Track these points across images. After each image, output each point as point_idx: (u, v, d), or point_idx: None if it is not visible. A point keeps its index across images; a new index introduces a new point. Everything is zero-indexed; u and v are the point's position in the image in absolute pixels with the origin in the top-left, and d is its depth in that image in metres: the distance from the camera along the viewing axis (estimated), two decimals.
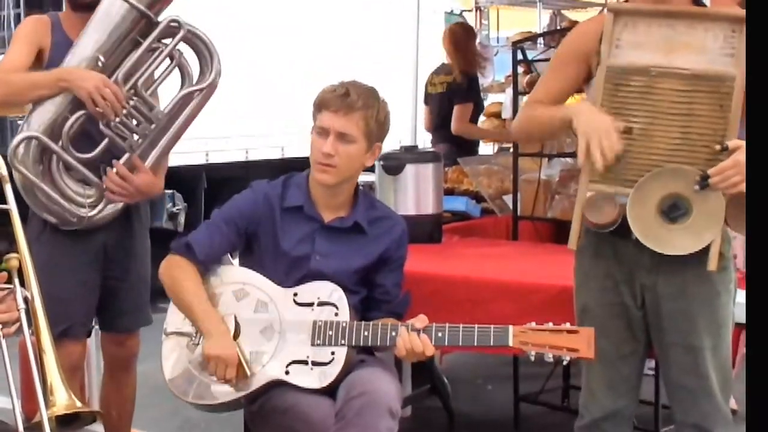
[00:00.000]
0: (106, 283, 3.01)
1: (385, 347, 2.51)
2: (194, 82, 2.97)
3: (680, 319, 2.39)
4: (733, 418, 2.48)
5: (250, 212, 2.66)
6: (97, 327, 3.22)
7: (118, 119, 2.82)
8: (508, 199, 4.24)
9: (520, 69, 4.69)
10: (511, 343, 2.37)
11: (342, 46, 7.07)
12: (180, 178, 5.74)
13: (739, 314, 2.45)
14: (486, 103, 6.29)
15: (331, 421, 2.43)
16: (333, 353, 2.49)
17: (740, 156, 2.20)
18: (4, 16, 5.87)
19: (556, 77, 2.47)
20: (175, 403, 2.67)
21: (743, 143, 2.20)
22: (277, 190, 2.68)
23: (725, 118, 2.28)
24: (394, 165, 3.60)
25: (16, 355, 2.34)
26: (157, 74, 2.96)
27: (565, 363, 2.41)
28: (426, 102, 5.97)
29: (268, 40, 6.63)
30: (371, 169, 3.22)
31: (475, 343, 2.41)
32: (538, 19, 8.15)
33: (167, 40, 2.92)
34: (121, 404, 3.20)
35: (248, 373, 2.51)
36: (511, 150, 4.28)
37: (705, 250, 2.30)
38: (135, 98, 2.87)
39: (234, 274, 2.67)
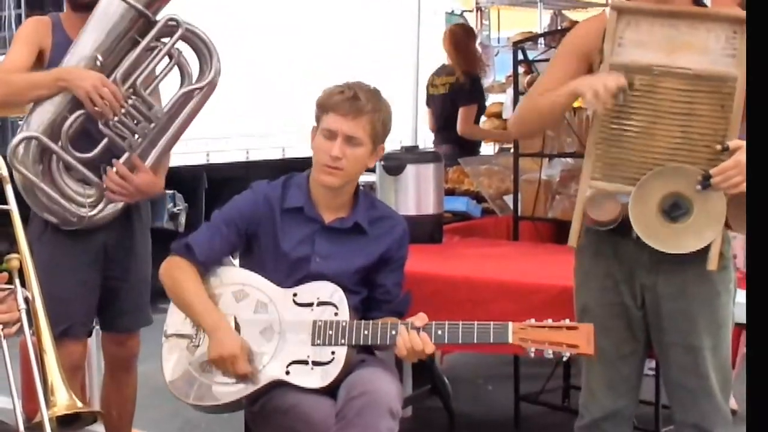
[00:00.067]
0: (106, 283, 3.01)
1: (386, 346, 2.51)
2: (194, 81, 2.97)
3: (680, 319, 2.39)
4: (733, 418, 2.49)
5: (251, 213, 2.66)
6: (97, 327, 3.22)
7: (116, 118, 2.82)
8: (509, 199, 4.24)
9: (521, 69, 4.69)
10: (510, 340, 2.37)
11: (342, 45, 7.07)
12: (181, 179, 5.74)
13: (739, 314, 2.46)
14: (486, 104, 6.29)
15: (331, 421, 2.43)
16: (333, 353, 2.49)
17: (741, 156, 2.21)
18: (5, 16, 5.87)
19: (557, 74, 2.46)
20: (176, 404, 2.67)
21: (744, 143, 2.20)
22: (277, 191, 2.68)
23: (726, 119, 2.29)
24: (394, 165, 3.59)
25: (16, 355, 2.34)
26: (156, 73, 2.95)
27: (565, 359, 2.41)
28: (428, 104, 5.97)
29: (267, 39, 6.63)
30: (372, 170, 3.22)
31: (475, 341, 2.41)
32: (538, 20, 8.16)
33: (166, 39, 2.92)
34: (121, 404, 3.20)
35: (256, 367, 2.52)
36: (512, 150, 4.28)
37: (705, 250, 2.30)
38: (134, 97, 2.87)
39: (233, 275, 2.67)
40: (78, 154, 2.85)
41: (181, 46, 2.96)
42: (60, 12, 3.08)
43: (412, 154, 3.77)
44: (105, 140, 2.85)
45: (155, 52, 2.91)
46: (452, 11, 8.96)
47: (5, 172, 2.41)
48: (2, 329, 2.09)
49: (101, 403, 3.29)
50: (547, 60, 4.25)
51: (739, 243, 2.84)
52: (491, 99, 6.65)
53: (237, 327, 2.58)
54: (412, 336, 2.43)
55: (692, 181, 2.27)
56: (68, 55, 2.87)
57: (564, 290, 2.72)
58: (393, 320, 2.53)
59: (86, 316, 3.02)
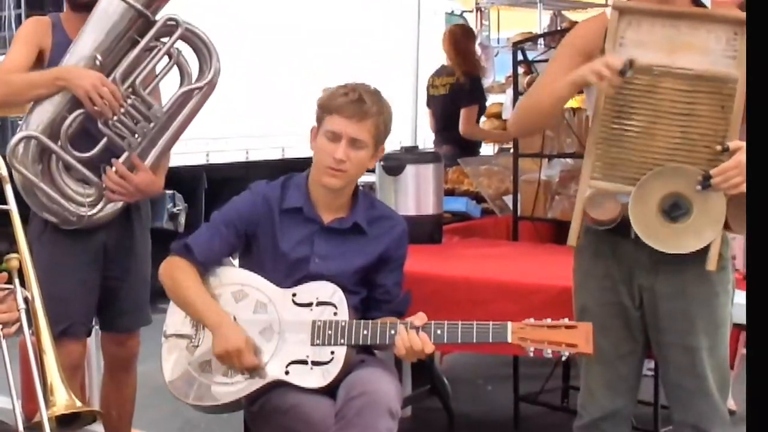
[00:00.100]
0: (106, 282, 3.01)
1: (385, 346, 2.51)
2: (193, 80, 2.97)
3: (678, 320, 2.39)
4: (732, 418, 2.49)
5: (249, 214, 2.66)
6: (97, 327, 3.22)
7: (116, 118, 2.83)
8: (509, 199, 4.24)
9: (521, 69, 4.70)
10: (509, 340, 2.37)
11: (342, 46, 7.08)
12: (180, 179, 5.75)
13: (738, 315, 2.46)
14: (486, 104, 6.29)
15: (331, 421, 2.43)
16: (333, 352, 2.49)
17: (742, 157, 2.21)
18: (5, 16, 5.87)
19: (557, 72, 2.45)
20: (176, 404, 2.67)
21: (744, 144, 2.21)
22: (275, 191, 2.68)
23: (726, 119, 2.29)
24: (394, 165, 3.60)
25: (16, 356, 2.34)
26: (155, 73, 2.95)
27: (564, 358, 2.41)
28: (428, 104, 5.97)
29: (267, 39, 6.64)
30: (372, 170, 3.22)
31: (474, 340, 2.41)
32: (538, 20, 8.16)
33: (165, 39, 2.92)
34: (121, 404, 3.20)
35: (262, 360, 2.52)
36: (512, 151, 4.28)
37: (704, 251, 2.31)
38: (133, 97, 2.87)
39: (233, 275, 2.67)
40: (77, 154, 2.85)
41: (181, 45, 2.96)
42: (60, 12, 3.07)
43: (411, 154, 3.77)
44: (104, 140, 2.85)
45: (154, 51, 2.91)
46: (452, 11, 8.96)
47: (5, 172, 2.42)
48: (2, 329, 2.09)
49: (101, 403, 3.30)
50: (546, 60, 4.25)
51: (738, 244, 2.84)
52: (491, 99, 6.65)
53: None
54: (411, 335, 2.43)
55: (692, 182, 2.27)
56: (67, 54, 2.87)
57: (563, 290, 2.72)
58: (392, 320, 2.53)
59: (86, 316, 3.02)
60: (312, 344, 2.51)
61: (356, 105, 2.56)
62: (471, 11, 8.84)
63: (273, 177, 2.75)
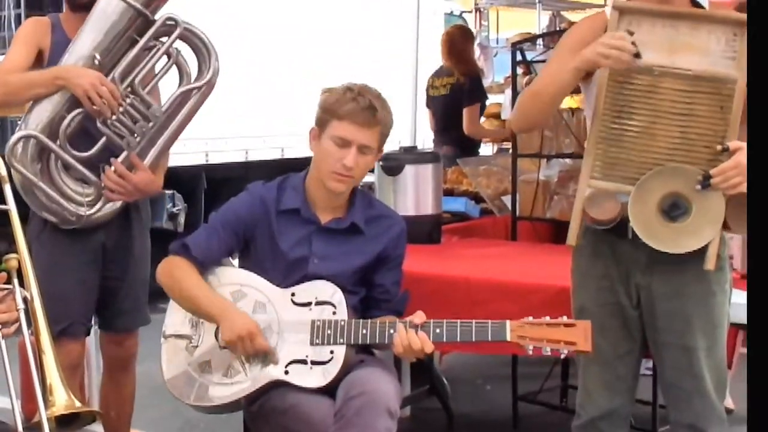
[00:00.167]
0: (105, 282, 3.01)
1: (384, 345, 2.51)
2: (192, 80, 2.97)
3: (675, 319, 2.40)
4: (730, 417, 2.49)
5: (247, 216, 2.66)
6: (96, 327, 3.22)
7: (114, 117, 2.82)
8: (507, 199, 4.24)
9: (520, 70, 4.70)
10: (508, 338, 2.37)
11: (342, 46, 7.07)
12: (180, 179, 5.74)
13: (735, 314, 2.46)
14: (487, 103, 6.30)
15: (330, 420, 2.43)
16: (332, 352, 2.49)
17: (741, 157, 2.22)
18: (4, 16, 5.87)
19: (557, 68, 2.43)
20: (175, 404, 2.67)
21: (744, 144, 2.21)
22: (272, 192, 2.67)
23: (726, 120, 2.29)
24: (393, 166, 3.60)
25: (15, 356, 2.34)
26: (155, 72, 2.95)
27: (563, 356, 2.41)
28: (428, 105, 5.97)
29: (267, 39, 6.63)
30: (371, 170, 3.22)
31: (473, 339, 2.41)
32: (537, 21, 8.17)
33: (164, 39, 2.92)
34: (120, 404, 3.20)
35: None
36: (510, 151, 4.29)
37: (702, 250, 2.31)
38: (132, 96, 2.87)
39: (231, 275, 2.67)
40: (76, 153, 2.85)
41: (180, 45, 2.96)
42: (59, 12, 3.07)
43: (410, 154, 3.77)
44: (103, 139, 2.85)
45: (153, 51, 2.91)
46: (451, 12, 8.97)
47: (4, 172, 2.42)
48: (1, 329, 2.09)
49: (100, 402, 3.30)
50: (544, 61, 4.25)
51: (735, 243, 2.85)
52: (490, 100, 6.66)
53: None
54: (411, 334, 2.42)
55: (691, 181, 2.28)
56: (66, 54, 2.87)
57: (562, 290, 2.72)
58: (392, 319, 2.53)
59: (85, 316, 3.02)
60: (311, 344, 2.51)
61: (368, 112, 2.55)
62: (470, 12, 8.86)
63: (272, 177, 2.74)
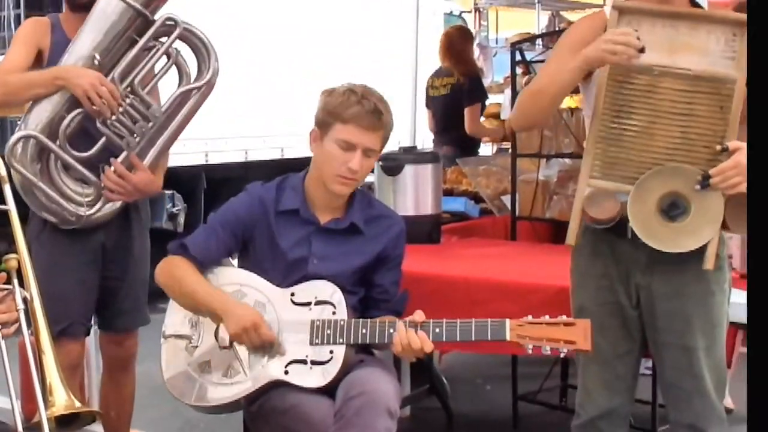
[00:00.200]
0: (105, 282, 3.02)
1: (384, 345, 2.50)
2: (192, 80, 2.97)
3: (675, 319, 2.40)
4: (729, 416, 2.49)
5: (246, 217, 2.66)
6: (96, 327, 3.22)
7: (114, 117, 2.83)
8: (507, 199, 4.25)
9: (519, 70, 4.70)
10: (508, 337, 2.37)
11: (341, 46, 7.07)
12: (179, 179, 5.74)
13: (734, 314, 2.47)
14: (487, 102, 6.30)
15: (330, 420, 2.43)
16: (332, 352, 2.49)
17: (740, 157, 2.22)
18: (4, 16, 5.87)
19: (557, 66, 2.42)
20: (175, 404, 2.67)
21: (743, 145, 2.21)
22: (271, 193, 2.67)
23: (725, 120, 2.29)
24: (393, 166, 3.60)
25: (15, 356, 2.34)
26: (154, 72, 2.96)
27: (562, 355, 2.40)
28: (427, 105, 5.97)
29: (267, 39, 6.63)
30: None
31: (473, 338, 2.40)
32: (536, 21, 8.16)
33: (164, 39, 2.93)
34: (120, 404, 3.20)
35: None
36: (510, 151, 4.29)
37: (701, 250, 2.31)
38: (132, 96, 2.87)
39: (231, 275, 2.67)
40: (76, 153, 2.85)
41: (180, 45, 2.96)
42: (59, 12, 3.08)
43: (410, 154, 3.77)
44: (103, 139, 2.85)
45: (153, 51, 2.91)
46: (450, 12, 8.97)
47: (3, 172, 2.42)
48: (1, 329, 2.10)
49: (99, 402, 3.30)
50: (544, 61, 4.26)
51: (734, 243, 2.85)
52: (489, 99, 6.66)
53: None
54: (410, 334, 2.42)
55: (691, 181, 2.28)
56: (66, 54, 2.87)
57: (561, 290, 2.72)
58: (391, 319, 2.53)
59: (84, 316, 3.02)
60: (311, 344, 2.51)
61: (374, 116, 2.55)
62: (469, 12, 8.85)
63: (272, 177, 2.74)
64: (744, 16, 2.26)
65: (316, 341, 2.50)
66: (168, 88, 2.99)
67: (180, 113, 2.95)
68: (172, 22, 2.92)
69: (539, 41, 6.20)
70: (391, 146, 3.56)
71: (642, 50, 2.25)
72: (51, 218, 2.88)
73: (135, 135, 2.87)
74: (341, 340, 2.49)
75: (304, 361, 2.50)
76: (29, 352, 2.05)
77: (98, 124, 2.84)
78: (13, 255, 2.20)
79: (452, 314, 2.51)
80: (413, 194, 3.63)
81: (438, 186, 3.74)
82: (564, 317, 2.37)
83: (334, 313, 2.52)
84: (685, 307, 2.39)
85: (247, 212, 2.66)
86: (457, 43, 5.83)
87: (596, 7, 6.68)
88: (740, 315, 2.45)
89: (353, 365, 2.54)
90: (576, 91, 2.59)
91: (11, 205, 2.36)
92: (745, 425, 1.82)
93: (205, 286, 2.60)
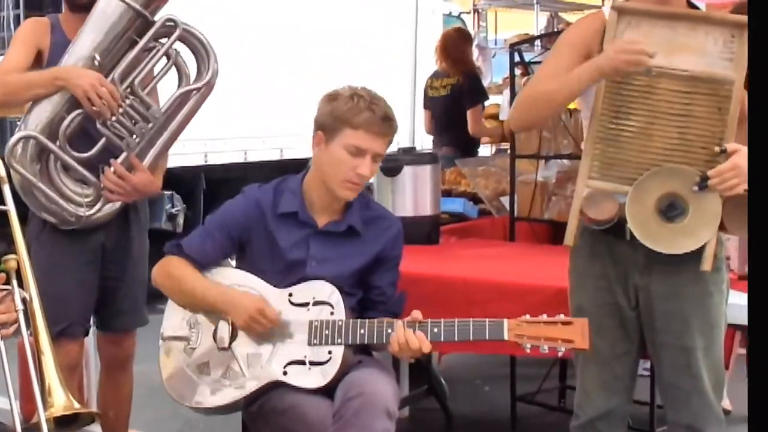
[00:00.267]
0: (104, 283, 3.02)
1: (382, 345, 2.50)
2: (191, 81, 2.97)
3: (673, 320, 2.40)
4: (726, 418, 2.50)
5: (243, 220, 2.65)
6: (94, 327, 3.22)
7: (114, 118, 2.83)
8: (506, 200, 4.25)
9: (518, 71, 4.70)
10: (506, 337, 2.37)
11: (341, 46, 7.07)
12: (179, 180, 5.74)
13: (732, 315, 2.47)
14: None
15: (329, 421, 2.43)
16: (330, 352, 2.49)
17: (738, 159, 2.22)
18: (3, 17, 5.87)
19: (561, 63, 2.42)
20: (174, 404, 2.67)
21: (741, 146, 2.22)
22: (268, 195, 2.66)
23: (723, 121, 2.30)
24: (392, 166, 3.60)
25: (14, 356, 2.34)
26: (154, 73, 2.96)
27: (560, 355, 2.41)
28: (426, 106, 5.97)
29: (266, 40, 6.63)
30: None
31: (471, 337, 2.41)
32: (535, 22, 8.17)
33: (164, 40, 2.93)
34: (118, 404, 3.20)
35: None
36: (509, 152, 4.29)
37: (699, 251, 2.31)
38: (131, 97, 2.87)
39: (229, 275, 2.66)
40: (76, 154, 2.85)
41: (179, 46, 2.96)
42: (59, 13, 3.08)
43: (409, 155, 3.78)
44: (103, 140, 2.85)
45: (153, 52, 2.92)
46: (449, 13, 8.97)
47: (3, 172, 2.42)
48: (0, 330, 2.10)
49: (98, 403, 3.30)
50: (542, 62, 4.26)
51: (732, 245, 2.85)
52: (488, 100, 6.66)
53: (233, 328, 2.58)
54: (408, 334, 2.42)
55: (689, 182, 2.28)
56: (66, 55, 2.87)
57: (560, 291, 2.73)
58: (389, 320, 2.53)
59: (84, 316, 3.03)
60: (309, 344, 2.51)
61: (385, 123, 2.55)
62: (468, 13, 8.86)
63: (271, 178, 2.74)
64: (742, 18, 2.27)
65: (315, 342, 2.50)
66: (167, 89, 2.99)
67: (179, 114, 2.95)
68: (172, 23, 2.92)
69: (538, 42, 6.20)
70: (390, 147, 3.57)
71: (652, 56, 2.25)
72: (50, 219, 2.88)
73: (135, 136, 2.87)
74: (339, 341, 2.49)
75: (302, 362, 2.50)
76: (28, 352, 2.05)
77: (98, 125, 2.84)
78: (12, 255, 2.20)
79: (451, 315, 2.52)
80: (412, 195, 3.63)
81: (437, 187, 3.75)
82: (562, 316, 2.37)
83: (332, 313, 2.53)
84: (683, 307, 2.39)
85: (243, 215, 2.66)
86: (456, 44, 5.82)
87: (594, 8, 6.69)
88: (738, 317, 2.46)
89: (352, 366, 2.54)
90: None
91: (11, 206, 2.36)
92: (743, 426, 1.83)
93: (203, 282, 2.60)
